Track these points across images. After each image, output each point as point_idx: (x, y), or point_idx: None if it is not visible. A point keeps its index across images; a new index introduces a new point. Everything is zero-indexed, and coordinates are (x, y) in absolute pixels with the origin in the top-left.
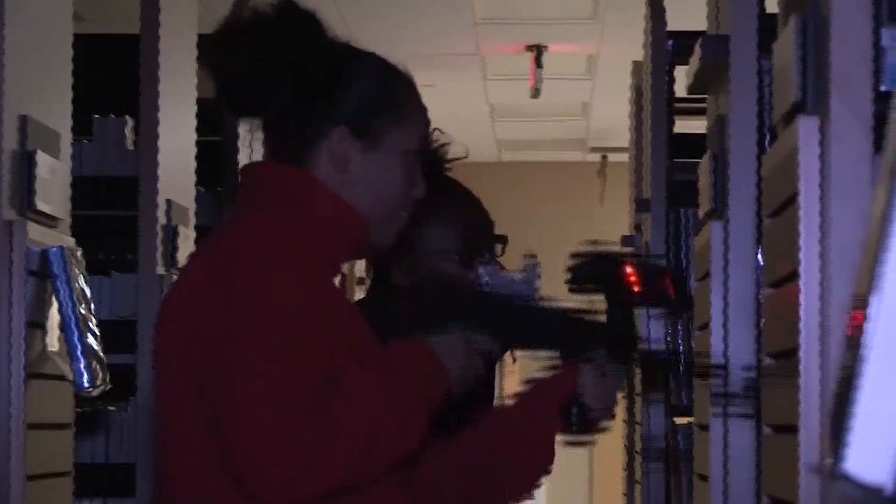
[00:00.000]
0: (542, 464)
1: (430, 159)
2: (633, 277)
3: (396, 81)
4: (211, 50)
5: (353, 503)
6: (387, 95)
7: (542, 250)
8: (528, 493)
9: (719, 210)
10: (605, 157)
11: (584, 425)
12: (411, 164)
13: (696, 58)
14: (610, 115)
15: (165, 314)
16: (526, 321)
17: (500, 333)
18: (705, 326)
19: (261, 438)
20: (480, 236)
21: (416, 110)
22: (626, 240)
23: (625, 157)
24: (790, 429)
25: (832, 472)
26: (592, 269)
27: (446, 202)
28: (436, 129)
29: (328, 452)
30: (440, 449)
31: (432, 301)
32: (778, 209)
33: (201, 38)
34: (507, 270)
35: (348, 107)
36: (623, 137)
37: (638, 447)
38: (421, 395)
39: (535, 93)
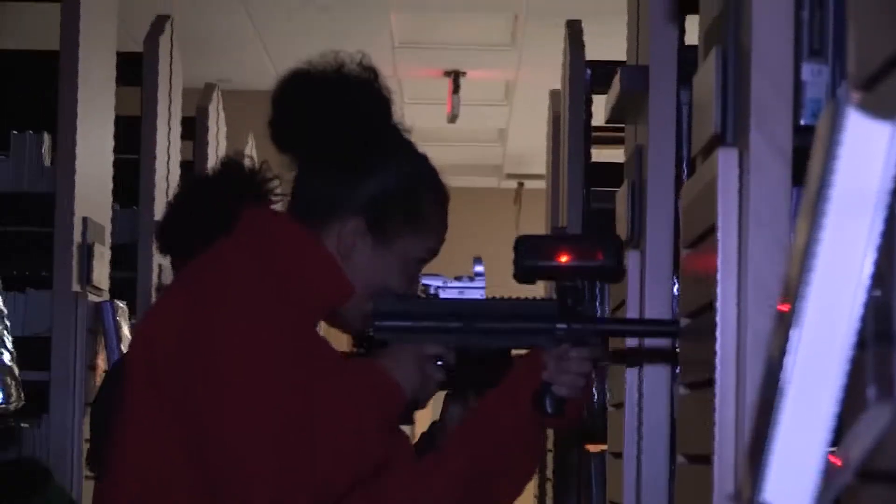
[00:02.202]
0: (527, 464)
1: (255, 190)
2: (564, 254)
3: (428, 190)
4: (289, 79)
5: None
6: (412, 200)
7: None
8: (518, 494)
9: (636, 239)
10: (520, 184)
11: (558, 410)
12: (412, 272)
13: (615, 87)
14: (526, 141)
15: (142, 337)
16: (480, 319)
17: (456, 337)
18: (620, 354)
19: (237, 474)
20: None
21: (436, 224)
22: None
23: (541, 184)
24: (704, 458)
25: (750, 502)
26: (532, 258)
27: None
28: (265, 161)
29: (303, 477)
30: (420, 469)
31: (381, 313)
32: (696, 239)
33: (120, 56)
34: (454, 278)
35: (371, 197)
36: (539, 164)
37: (549, 474)
38: (380, 416)
39: (453, 118)
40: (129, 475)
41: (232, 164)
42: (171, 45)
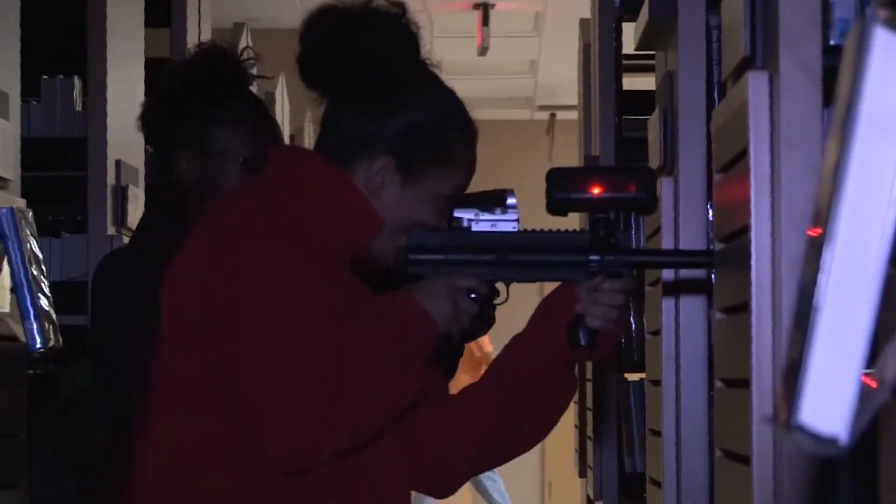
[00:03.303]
0: (562, 395)
1: (234, 72)
2: (597, 186)
3: (456, 126)
4: (316, 15)
5: (359, 459)
6: (439, 137)
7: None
8: (552, 426)
9: (669, 166)
10: (552, 115)
11: (591, 342)
12: (442, 207)
13: (644, 14)
14: (557, 72)
15: (169, 283)
16: (513, 252)
17: (489, 270)
18: (656, 283)
19: (272, 411)
20: (268, 142)
21: (464, 160)
22: None
23: (573, 115)
24: (742, 382)
25: (786, 424)
26: (564, 190)
27: (242, 107)
28: (248, 47)
29: (337, 416)
30: (459, 397)
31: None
32: (728, 164)
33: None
34: (486, 211)
35: (399, 134)
36: (571, 95)
37: (589, 404)
38: (414, 349)
39: (483, 51)
40: (163, 424)
41: (209, 48)
42: None
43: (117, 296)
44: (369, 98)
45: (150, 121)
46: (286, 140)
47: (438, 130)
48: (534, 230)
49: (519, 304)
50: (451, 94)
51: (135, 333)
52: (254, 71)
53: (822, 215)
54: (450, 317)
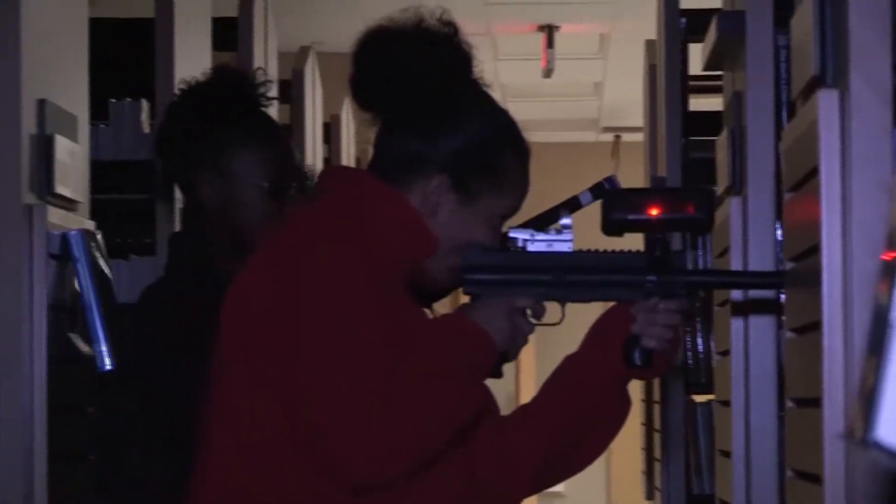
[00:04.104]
0: (618, 414)
1: (250, 96)
2: (655, 207)
3: (509, 145)
4: (368, 36)
5: (423, 478)
6: (494, 156)
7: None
8: (607, 444)
9: (737, 186)
10: (617, 137)
11: (647, 361)
12: (496, 226)
13: (711, 34)
14: (622, 94)
15: (230, 307)
16: (569, 272)
17: (546, 290)
18: (725, 303)
19: (343, 431)
20: (289, 168)
21: (518, 179)
22: None
23: (637, 137)
24: (814, 402)
25: (862, 441)
26: (622, 211)
27: (258, 130)
28: (259, 68)
29: (406, 434)
30: (514, 416)
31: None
32: (798, 183)
33: (215, 21)
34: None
35: (454, 154)
36: (635, 117)
37: (657, 425)
38: (475, 369)
39: (548, 73)
40: (227, 450)
41: (224, 70)
42: (266, 9)
43: (166, 329)
44: (423, 118)
45: (164, 140)
46: (320, 163)
47: (493, 150)
48: (589, 250)
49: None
50: (504, 114)
51: (185, 364)
52: (270, 93)
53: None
54: (508, 337)
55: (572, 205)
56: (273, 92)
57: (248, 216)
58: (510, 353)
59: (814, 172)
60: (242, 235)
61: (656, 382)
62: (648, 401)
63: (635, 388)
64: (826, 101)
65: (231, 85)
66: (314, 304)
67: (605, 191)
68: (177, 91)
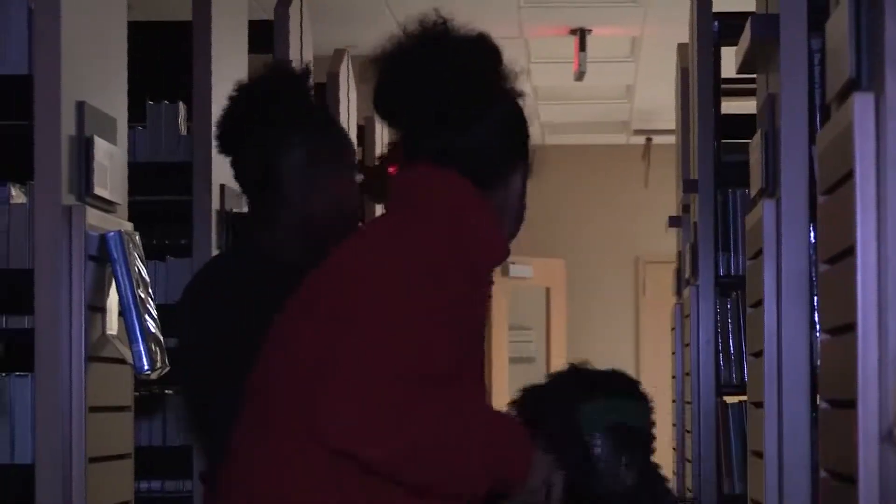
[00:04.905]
0: None
1: (309, 91)
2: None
3: (526, 129)
4: (392, 50)
5: None
6: (524, 140)
7: (587, 233)
8: None
9: (771, 188)
10: (648, 140)
11: None
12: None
13: (745, 37)
14: (653, 97)
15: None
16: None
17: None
18: (758, 304)
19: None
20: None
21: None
22: (674, 221)
23: (668, 140)
24: (849, 403)
25: None
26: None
27: (334, 127)
28: (307, 65)
29: (398, 429)
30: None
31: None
32: (833, 186)
33: (252, 24)
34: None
35: (517, 151)
36: (666, 119)
37: (688, 426)
38: (503, 470)
39: (580, 76)
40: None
41: (279, 66)
42: (301, 13)
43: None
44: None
45: (236, 132)
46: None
47: (523, 133)
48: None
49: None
50: (516, 101)
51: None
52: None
53: None
54: (532, 486)
55: None
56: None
57: (325, 207)
58: (514, 496)
59: (849, 175)
60: (316, 225)
61: (688, 383)
62: (680, 401)
63: (667, 389)
64: (862, 103)
65: (290, 81)
66: (390, 297)
67: None
68: (234, 90)
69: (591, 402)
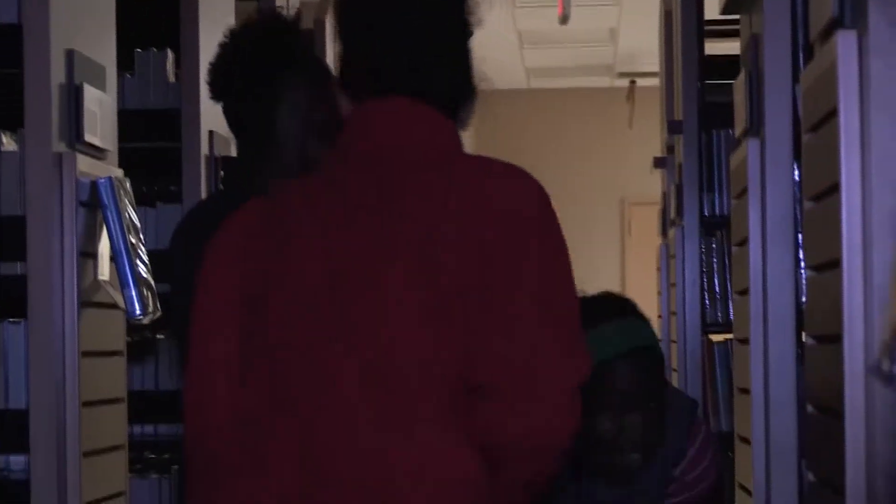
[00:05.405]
0: None
1: (297, 37)
2: None
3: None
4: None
5: None
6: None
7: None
8: None
9: (755, 128)
10: (632, 82)
11: None
12: None
13: None
14: (637, 40)
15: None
16: None
17: None
18: (743, 242)
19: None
20: (337, 107)
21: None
22: (658, 162)
23: (652, 82)
24: (834, 338)
25: (889, 374)
26: None
27: (315, 73)
28: (298, 11)
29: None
30: None
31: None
32: (817, 124)
33: None
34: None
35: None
36: (650, 62)
37: (674, 364)
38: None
39: (564, 20)
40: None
41: (270, 12)
42: None
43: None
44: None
45: (221, 80)
46: None
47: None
48: None
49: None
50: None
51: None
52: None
53: None
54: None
55: None
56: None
57: (293, 142)
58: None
59: (832, 113)
60: (293, 164)
61: (674, 322)
62: (666, 340)
63: (654, 328)
64: (845, 42)
65: (281, 27)
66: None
67: None
68: (225, 37)
69: (602, 329)
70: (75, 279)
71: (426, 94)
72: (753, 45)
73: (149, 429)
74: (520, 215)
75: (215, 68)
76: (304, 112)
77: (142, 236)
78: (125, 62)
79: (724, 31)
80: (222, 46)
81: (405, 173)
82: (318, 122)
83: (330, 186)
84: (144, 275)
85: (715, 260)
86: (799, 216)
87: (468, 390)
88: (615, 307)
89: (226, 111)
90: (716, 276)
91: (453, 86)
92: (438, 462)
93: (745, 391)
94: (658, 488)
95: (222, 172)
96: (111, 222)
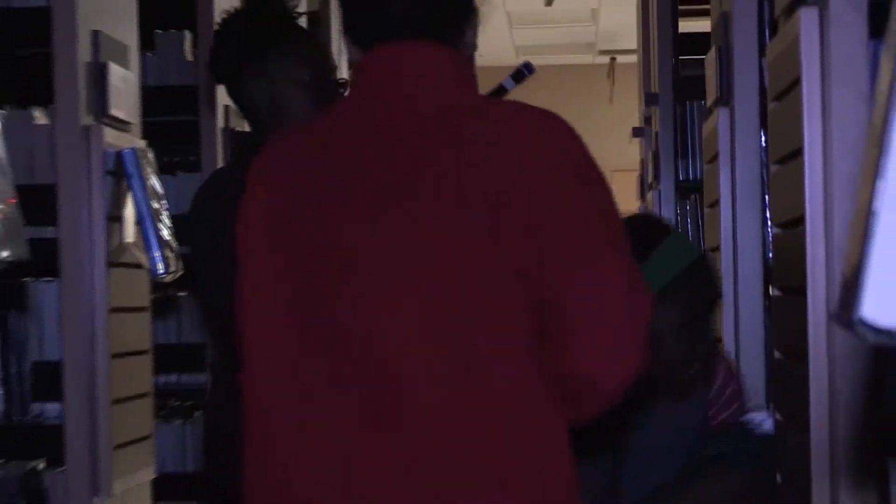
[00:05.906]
0: None
1: (285, 13)
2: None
3: None
4: None
5: None
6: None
7: None
8: None
9: (725, 98)
10: (612, 59)
11: None
12: None
13: None
14: (616, 19)
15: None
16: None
17: None
18: (715, 204)
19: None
20: (327, 64)
21: None
22: (637, 132)
23: (630, 59)
24: (799, 290)
25: (849, 321)
26: None
27: (295, 35)
28: None
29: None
30: None
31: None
32: (782, 92)
33: None
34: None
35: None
36: (629, 40)
37: None
38: None
39: (549, 1)
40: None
41: None
42: None
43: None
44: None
45: (217, 63)
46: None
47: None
48: None
49: None
50: None
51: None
52: (299, 9)
53: (878, 131)
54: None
55: (499, 92)
56: (301, 7)
57: (294, 111)
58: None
59: (796, 83)
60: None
61: None
62: None
63: None
64: (807, 17)
65: (268, 6)
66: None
67: (525, 76)
68: (218, 21)
69: (662, 245)
70: (103, 241)
71: (433, 31)
72: (723, 23)
73: (172, 378)
74: (569, 154)
75: (214, 53)
76: (296, 79)
77: (165, 202)
78: (146, 42)
79: (696, 11)
80: (218, 32)
81: (443, 122)
82: (308, 82)
83: (359, 140)
84: (167, 237)
85: (689, 220)
86: (766, 179)
87: (538, 337)
88: (656, 229)
89: (229, 93)
90: (690, 235)
91: (457, 16)
92: (516, 412)
93: (717, 340)
94: (702, 424)
95: (235, 145)
96: (135, 189)
